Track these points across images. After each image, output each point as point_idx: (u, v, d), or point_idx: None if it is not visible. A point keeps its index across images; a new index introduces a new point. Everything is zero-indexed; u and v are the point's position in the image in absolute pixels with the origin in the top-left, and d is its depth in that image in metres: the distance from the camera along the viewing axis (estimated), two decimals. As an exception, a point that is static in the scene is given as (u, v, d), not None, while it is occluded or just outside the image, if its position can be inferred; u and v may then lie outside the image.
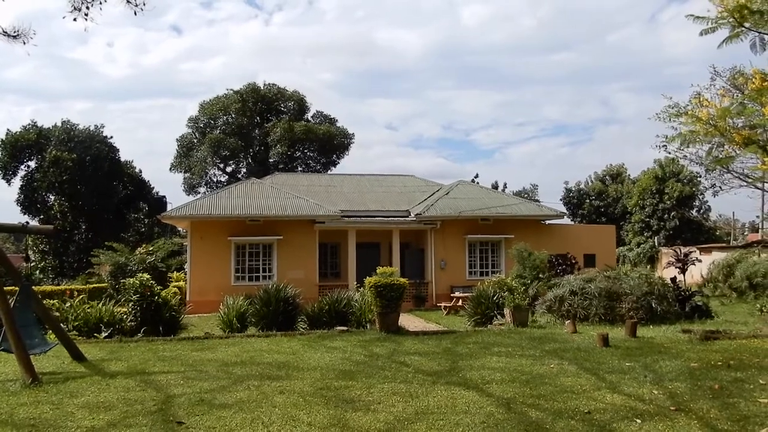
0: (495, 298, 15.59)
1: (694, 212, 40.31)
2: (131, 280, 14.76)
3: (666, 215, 39.11)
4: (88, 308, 14.43)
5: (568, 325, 13.31)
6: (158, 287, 14.95)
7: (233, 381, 8.74)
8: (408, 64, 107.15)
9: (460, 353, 10.94)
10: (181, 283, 25.98)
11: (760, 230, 34.34)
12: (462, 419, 6.60)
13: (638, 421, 6.48)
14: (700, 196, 39.89)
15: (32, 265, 44.73)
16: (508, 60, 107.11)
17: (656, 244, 37.36)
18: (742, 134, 9.16)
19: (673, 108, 15.99)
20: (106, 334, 13.60)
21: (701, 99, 15.34)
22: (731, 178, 19.09)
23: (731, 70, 16.12)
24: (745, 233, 43.61)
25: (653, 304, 14.85)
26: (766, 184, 14.77)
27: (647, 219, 39.66)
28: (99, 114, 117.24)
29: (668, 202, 39.02)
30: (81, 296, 15.57)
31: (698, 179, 37.68)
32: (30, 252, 44.99)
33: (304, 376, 8.97)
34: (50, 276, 41.95)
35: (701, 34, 8.21)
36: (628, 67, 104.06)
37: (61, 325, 13.67)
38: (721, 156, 10.87)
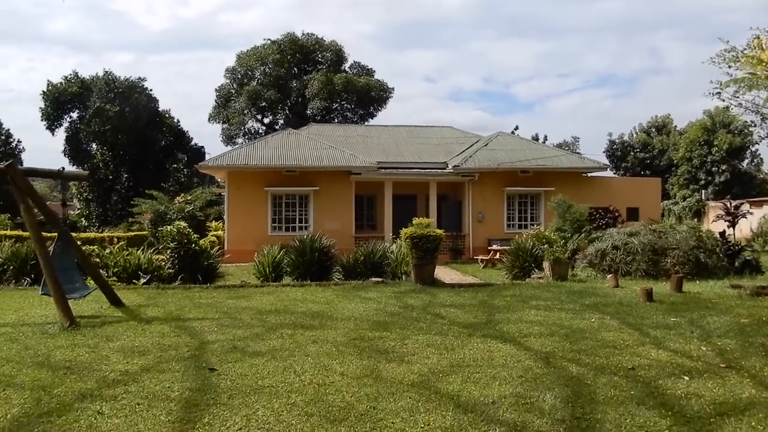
0: (534, 251, 15.21)
1: (745, 164, 38.68)
2: (168, 228, 14.83)
3: (715, 168, 37.59)
4: (128, 255, 14.62)
5: (609, 279, 12.90)
6: (195, 236, 15.00)
7: (267, 329, 8.69)
8: (447, 14, 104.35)
9: (497, 306, 10.70)
10: (219, 232, 26.26)
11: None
12: (499, 373, 6.39)
13: (686, 378, 6.17)
14: (752, 148, 38.21)
15: (78, 212, 45.90)
16: (550, 8, 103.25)
17: (703, 198, 36.07)
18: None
19: (729, 52, 15.04)
20: (145, 280, 13.79)
21: (761, 42, 14.34)
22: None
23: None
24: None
25: (701, 258, 14.28)
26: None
27: (694, 171, 38.22)
28: (139, 66, 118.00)
29: (717, 154, 37.42)
30: (121, 243, 15.77)
31: (750, 130, 36.05)
32: (75, 200, 46.11)
33: (338, 326, 8.87)
34: (95, 224, 43.04)
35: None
36: (676, 15, 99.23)
37: (101, 271, 13.95)
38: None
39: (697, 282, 13.34)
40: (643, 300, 10.75)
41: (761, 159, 39.45)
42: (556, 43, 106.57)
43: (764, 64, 9.19)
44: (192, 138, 49.09)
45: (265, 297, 11.73)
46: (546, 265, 14.33)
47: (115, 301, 10.61)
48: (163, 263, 14.52)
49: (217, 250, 16.40)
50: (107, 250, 14.93)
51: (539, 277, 14.35)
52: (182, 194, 27.88)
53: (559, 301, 11.10)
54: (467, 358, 7.04)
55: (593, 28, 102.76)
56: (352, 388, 5.86)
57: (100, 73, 45.10)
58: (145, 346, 7.61)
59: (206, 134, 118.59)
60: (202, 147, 48.36)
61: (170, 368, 6.56)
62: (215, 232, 26.98)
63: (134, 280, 13.83)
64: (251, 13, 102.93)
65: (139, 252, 14.89)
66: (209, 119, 54.28)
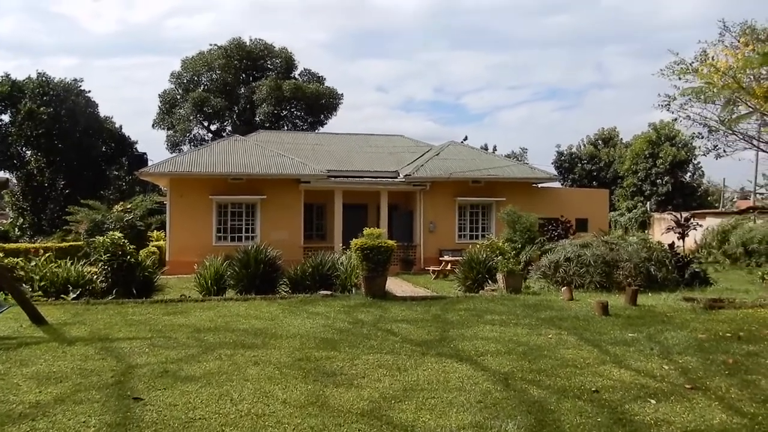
0: (487, 263, 14.86)
1: (687, 177, 39.70)
2: (101, 238, 13.85)
3: (659, 180, 38.46)
4: (56, 268, 13.55)
5: (564, 292, 12.64)
6: (131, 246, 14.04)
7: (204, 349, 7.97)
8: (400, 25, 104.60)
9: (451, 321, 10.24)
10: (161, 242, 25.10)
11: (753, 196, 33.86)
12: (456, 398, 5.89)
13: (652, 401, 5.80)
14: (695, 161, 39.29)
15: (10, 222, 43.50)
16: (502, 22, 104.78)
17: (648, 209, 36.80)
18: (765, 87, 8.33)
19: (679, 65, 15.12)
20: (75, 295, 12.76)
21: (707, 55, 14.46)
22: (736, 140, 18.36)
23: (741, 25, 15.23)
24: (734, 200, 43.18)
25: (652, 271, 14.22)
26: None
27: (639, 183, 39.03)
28: (84, 71, 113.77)
29: (662, 167, 38.32)
30: (47, 255, 14.63)
31: (692, 144, 37.00)
32: (9, 209, 43.68)
33: (282, 345, 8.23)
34: (29, 234, 40.81)
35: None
36: (623, 31, 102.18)
37: (24, 285, 12.86)
38: (740, 112, 10.05)
39: (650, 294, 13.22)
40: (599, 314, 10.48)
41: (702, 172, 40.62)
42: (507, 56, 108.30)
43: (720, 74, 9.07)
44: (135, 143, 47.33)
45: (204, 312, 10.95)
46: (499, 277, 13.99)
47: (37, 319, 9.66)
48: (95, 276, 13.51)
49: (155, 262, 15.46)
50: (32, 263, 13.80)
51: (493, 290, 14.00)
52: (121, 202, 26.55)
53: (515, 315, 10.73)
54: (421, 380, 6.52)
55: (544, 42, 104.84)
56: (294, 419, 5.26)
57: (33, 75, 42.99)
58: (64, 371, 6.80)
59: (151, 141, 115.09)
60: (145, 154, 46.67)
61: (89, 398, 5.81)
62: (157, 242, 25.79)
63: (63, 295, 12.79)
64: (202, 18, 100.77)
65: (69, 264, 13.82)
66: (153, 125, 52.68)
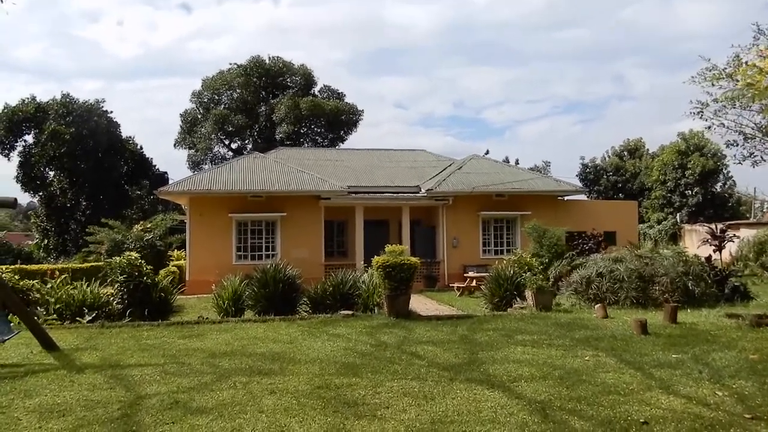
0: (515, 279, 14.24)
1: (717, 187, 38.59)
2: (118, 259, 13.54)
3: (688, 191, 37.41)
4: (72, 290, 13.24)
5: (597, 309, 11.98)
6: (148, 267, 13.71)
7: (218, 376, 7.51)
8: (417, 42, 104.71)
9: (480, 342, 9.67)
10: (182, 261, 24.86)
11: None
12: (489, 431, 5.34)
13: (712, 435, 5.19)
14: (725, 170, 38.21)
15: (35, 242, 43.80)
16: (518, 37, 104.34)
17: (678, 220, 35.77)
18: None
19: (711, 70, 14.44)
20: (90, 318, 12.43)
21: (740, 60, 13.76)
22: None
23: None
24: (765, 210, 41.90)
25: (690, 286, 13.48)
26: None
27: (669, 195, 38.01)
28: (108, 93, 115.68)
29: (691, 177, 37.28)
30: (63, 276, 14.34)
31: (722, 153, 35.96)
32: (34, 230, 44.00)
33: (301, 371, 7.73)
34: (54, 255, 41.00)
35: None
36: (641, 43, 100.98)
37: (39, 308, 12.58)
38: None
39: (689, 311, 12.49)
40: (637, 333, 9.83)
41: (734, 182, 39.48)
42: (524, 70, 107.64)
43: (764, 74, 8.47)
44: (155, 164, 47.56)
45: (221, 335, 10.52)
46: (528, 294, 13.37)
47: (48, 345, 9.32)
48: (111, 298, 13.18)
49: (172, 281, 15.10)
50: (48, 285, 13.52)
51: (522, 307, 13.38)
52: (141, 222, 26.41)
53: (547, 335, 10.12)
54: (450, 410, 5.98)
55: (559, 56, 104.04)
56: (312, 458, 4.75)
57: (58, 97, 43.45)
58: (69, 403, 6.39)
59: (174, 161, 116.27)
60: (166, 173, 46.82)
61: (91, 434, 5.37)
62: (177, 262, 25.57)
63: (78, 318, 12.47)
64: (222, 40, 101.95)
65: (86, 286, 13.51)
66: (175, 145, 52.93)
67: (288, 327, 11.31)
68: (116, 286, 13.33)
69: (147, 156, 47.21)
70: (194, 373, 7.74)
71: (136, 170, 45.42)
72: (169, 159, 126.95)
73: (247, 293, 13.69)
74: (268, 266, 14.01)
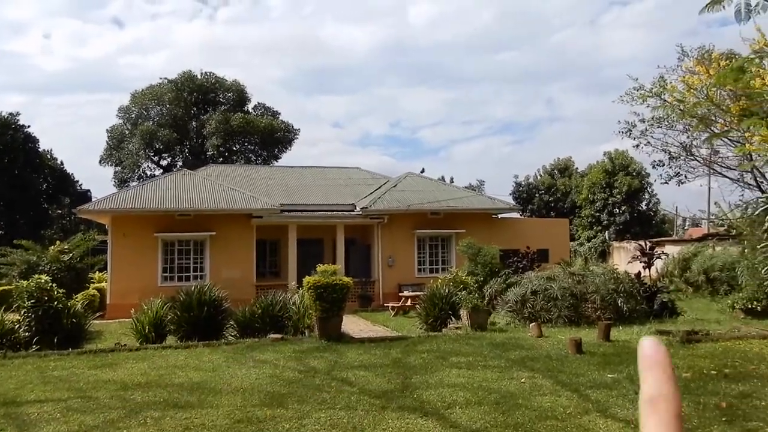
0: (450, 298, 13.98)
1: (643, 205, 40.00)
2: (25, 282, 12.48)
3: (616, 209, 38.60)
4: (-29, 317, 12.09)
5: (532, 328, 11.84)
6: (59, 291, 12.68)
7: (128, 412, 6.83)
8: (356, 62, 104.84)
9: (413, 365, 9.30)
10: (103, 284, 23.49)
11: (706, 223, 34.12)
12: (422, 467, 4.93)
13: (652, 463, 4.94)
14: (650, 189, 39.66)
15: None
16: (455, 59, 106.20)
17: (607, 238, 36.76)
18: (740, 104, 7.84)
19: (638, 90, 14.82)
20: (-7, 347, 11.33)
21: (665, 81, 14.18)
22: (698, 165, 18.16)
23: (699, 49, 15.07)
24: (686, 227, 43.60)
25: (620, 303, 13.58)
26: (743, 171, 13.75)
27: (597, 214, 39.11)
28: (34, 108, 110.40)
29: (618, 196, 38.49)
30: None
31: (646, 172, 37.27)
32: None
33: (221, 403, 7.14)
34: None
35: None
36: (571, 67, 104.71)
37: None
38: (715, 131, 9.56)
39: (621, 328, 12.52)
40: (572, 352, 9.70)
41: (658, 200, 40.99)
42: (460, 92, 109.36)
43: (692, 92, 8.56)
44: (79, 181, 45.32)
45: (137, 364, 9.75)
46: (464, 313, 13.13)
47: (-64, 380, 8.33)
48: (17, 325, 12.10)
49: (91, 305, 14.08)
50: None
51: (457, 327, 13.11)
52: (58, 242, 24.82)
53: (482, 356, 9.86)
54: (381, 444, 5.55)
55: (494, 78, 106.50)
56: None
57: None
58: (-54, 449, 5.60)
59: (100, 178, 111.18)
60: (89, 191, 44.67)
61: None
62: (98, 284, 24.15)
63: (-20, 348, 11.35)
64: (156, 56, 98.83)
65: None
66: (100, 162, 50.65)
67: (212, 353, 10.63)
68: (22, 312, 12.26)
69: (69, 172, 44.99)
70: (101, 408, 7.03)
71: (57, 187, 43.11)
72: (96, 176, 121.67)
73: (170, 317, 12.87)
74: (193, 288, 13.25)
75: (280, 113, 53.30)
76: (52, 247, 23.74)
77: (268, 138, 49.05)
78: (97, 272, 26.61)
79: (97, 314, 16.18)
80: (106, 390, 7.95)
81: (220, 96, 51.25)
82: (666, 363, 0.38)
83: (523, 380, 8.08)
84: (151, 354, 10.75)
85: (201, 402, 7.23)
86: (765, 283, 14.33)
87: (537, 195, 47.12)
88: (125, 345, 11.99)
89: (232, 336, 12.95)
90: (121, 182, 48.49)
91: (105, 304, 21.16)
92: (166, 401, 7.29)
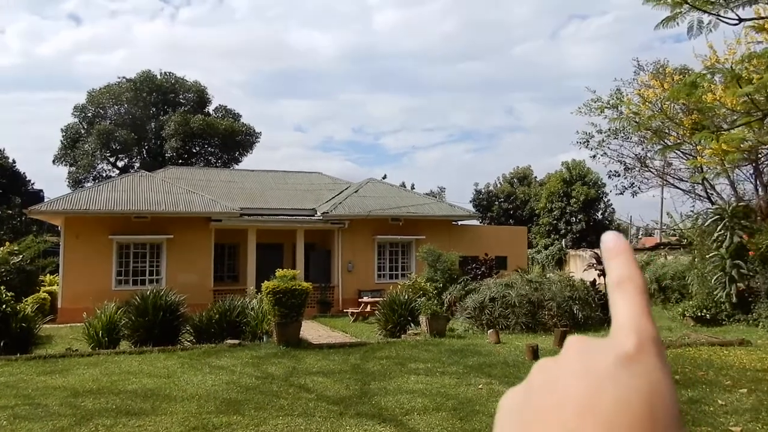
0: (410, 304, 14.04)
1: (599, 215, 40.94)
2: (-30, 285, 12.04)
3: (573, 218, 39.37)
4: None
5: (490, 334, 11.99)
6: (8, 293, 12.27)
7: (78, 419, 6.65)
8: (320, 67, 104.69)
9: (372, 371, 9.30)
10: (54, 287, 22.83)
11: (658, 232, 35.16)
12: (379, 474, 4.93)
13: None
14: (605, 199, 40.59)
15: None
16: (418, 67, 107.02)
17: (564, 246, 37.44)
18: (693, 118, 8.13)
19: (596, 102, 15.17)
20: (-66, 353, 10.90)
21: (621, 93, 14.58)
22: (651, 176, 18.68)
23: (655, 63, 15.53)
24: (639, 237, 44.71)
25: (575, 310, 13.85)
26: (696, 183, 14.17)
27: (555, 222, 39.86)
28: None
29: (575, 205, 39.29)
30: None
31: (602, 182, 38.16)
32: None
33: (176, 410, 7.01)
34: None
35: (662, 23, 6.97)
36: (532, 79, 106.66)
37: None
38: (668, 143, 9.87)
39: (576, 335, 12.76)
40: (529, 358, 9.84)
41: (613, 209, 41.96)
42: (423, 99, 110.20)
43: (648, 105, 8.83)
44: (31, 180, 43.97)
45: (89, 370, 9.50)
46: (423, 319, 13.19)
47: None
48: (-38, 330, 11.66)
49: (41, 309, 13.67)
50: None
51: (416, 333, 13.17)
52: (7, 243, 24.03)
53: (441, 362, 9.92)
54: (338, 451, 5.53)
55: (457, 86, 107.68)
56: None
57: None
58: None
59: (54, 178, 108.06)
60: (41, 191, 43.35)
61: None
62: (49, 287, 23.45)
63: None
64: (115, 54, 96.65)
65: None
66: (54, 161, 49.24)
67: (167, 359, 10.43)
68: (-32, 316, 11.81)
69: (21, 171, 43.61)
70: (50, 416, 6.82)
71: (7, 187, 41.74)
72: (50, 176, 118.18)
73: (124, 322, 12.57)
74: (148, 292, 12.98)
75: (241, 116, 52.77)
76: (2, 248, 22.95)
77: (229, 141, 48.48)
78: (48, 275, 25.87)
79: (48, 318, 15.67)
80: (55, 397, 7.72)
81: (180, 97, 50.48)
82: (628, 251, 0.42)
83: (480, 386, 8.16)
84: (104, 359, 10.49)
85: (155, 409, 7.08)
86: (714, 292, 14.81)
87: (497, 203, 47.77)
88: (77, 350, 11.69)
89: (188, 341, 12.73)
90: (76, 183, 47.23)
91: (56, 308, 20.57)
92: (118, 408, 7.12)
